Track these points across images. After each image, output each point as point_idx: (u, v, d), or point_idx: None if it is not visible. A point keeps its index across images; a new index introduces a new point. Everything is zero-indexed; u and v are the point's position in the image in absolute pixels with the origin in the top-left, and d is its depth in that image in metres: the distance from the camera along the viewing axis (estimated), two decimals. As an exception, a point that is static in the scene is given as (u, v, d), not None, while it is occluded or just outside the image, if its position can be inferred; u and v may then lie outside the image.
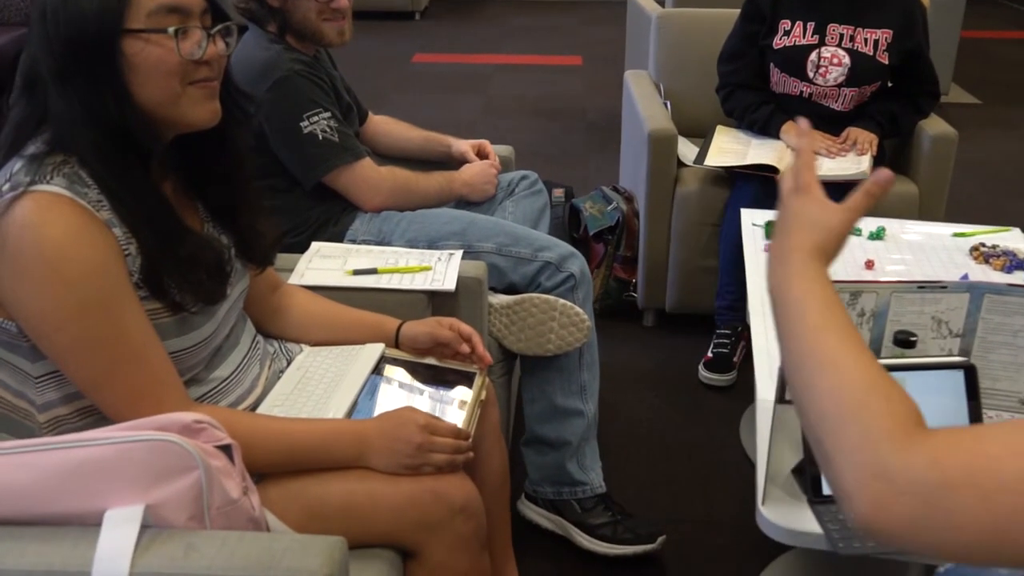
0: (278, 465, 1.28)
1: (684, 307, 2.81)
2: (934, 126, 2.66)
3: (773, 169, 2.52)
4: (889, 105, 2.65)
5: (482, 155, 2.31)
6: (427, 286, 1.74)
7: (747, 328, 2.63)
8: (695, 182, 2.69)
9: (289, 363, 1.52)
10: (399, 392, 1.48)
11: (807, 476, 1.40)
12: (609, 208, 2.94)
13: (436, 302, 1.77)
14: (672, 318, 2.87)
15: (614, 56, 6.11)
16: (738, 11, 2.90)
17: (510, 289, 1.97)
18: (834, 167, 2.52)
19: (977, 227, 2.27)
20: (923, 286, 1.54)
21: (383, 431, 1.31)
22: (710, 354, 2.64)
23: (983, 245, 2.15)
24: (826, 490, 1.39)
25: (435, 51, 6.44)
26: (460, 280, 1.77)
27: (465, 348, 1.54)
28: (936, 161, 2.63)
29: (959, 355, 1.59)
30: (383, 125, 2.36)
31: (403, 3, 7.21)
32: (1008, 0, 8.06)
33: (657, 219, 2.75)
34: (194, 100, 1.23)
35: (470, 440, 1.38)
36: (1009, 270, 2.06)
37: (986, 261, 2.10)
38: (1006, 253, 2.11)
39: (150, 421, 1.07)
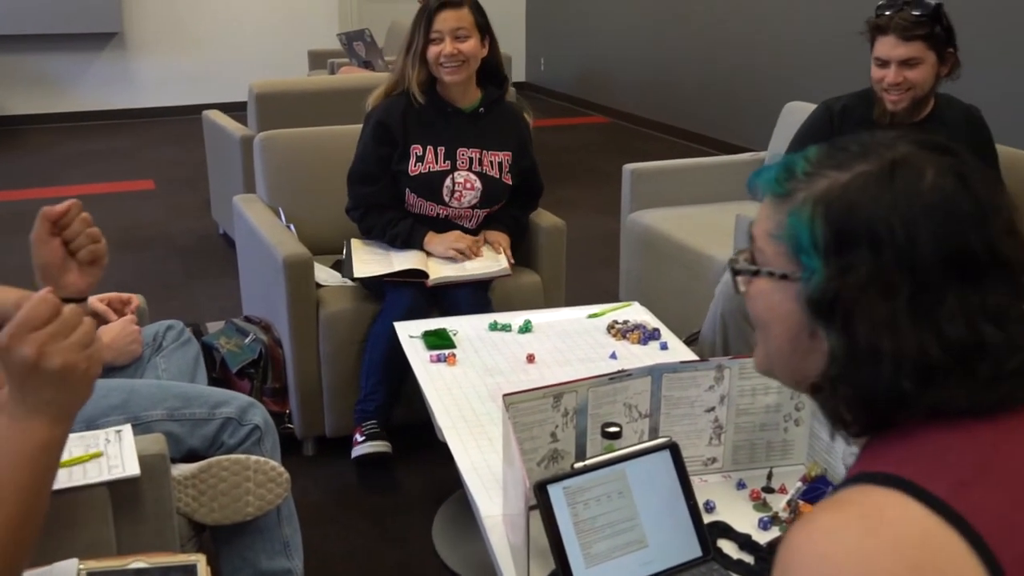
0: None
1: (345, 429, 2.74)
2: (545, 219, 2.90)
3: (423, 274, 2.57)
4: (510, 211, 2.85)
5: (116, 310, 2.08)
6: (106, 476, 1.51)
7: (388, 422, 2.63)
8: (338, 302, 2.65)
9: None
10: (116, 613, 1.26)
11: (562, 584, 1.42)
12: (247, 341, 2.80)
13: (116, 491, 1.54)
14: (332, 442, 2.78)
15: (190, 177, 5.89)
16: (340, 126, 2.94)
17: (190, 456, 1.78)
18: (479, 266, 2.66)
19: (603, 306, 2.50)
20: (613, 377, 1.65)
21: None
22: (361, 438, 2.58)
23: (616, 323, 2.37)
24: (583, 594, 1.42)
25: (-27, 189, 5.75)
26: (141, 460, 1.56)
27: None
28: (551, 251, 2.87)
29: (650, 434, 1.72)
30: None
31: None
32: (539, 94, 9.12)
33: (304, 345, 2.66)
34: None
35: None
36: (645, 341, 2.29)
37: (623, 337, 2.31)
38: (637, 327, 2.34)
39: None
